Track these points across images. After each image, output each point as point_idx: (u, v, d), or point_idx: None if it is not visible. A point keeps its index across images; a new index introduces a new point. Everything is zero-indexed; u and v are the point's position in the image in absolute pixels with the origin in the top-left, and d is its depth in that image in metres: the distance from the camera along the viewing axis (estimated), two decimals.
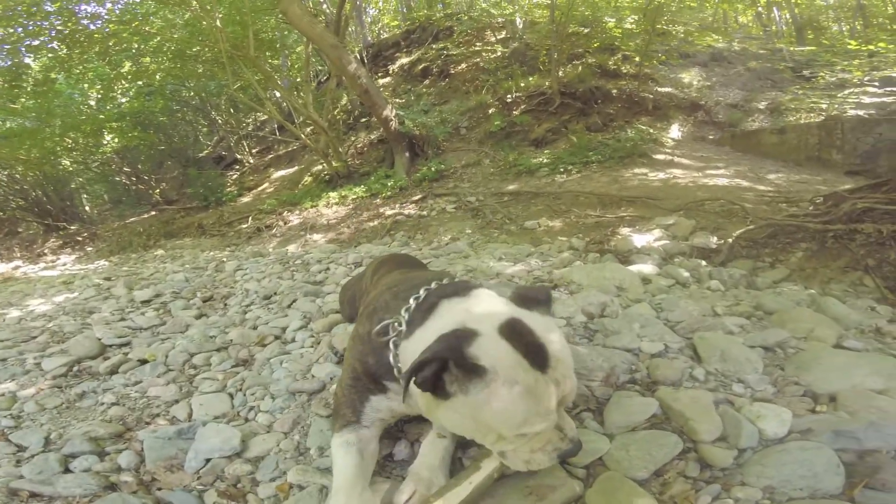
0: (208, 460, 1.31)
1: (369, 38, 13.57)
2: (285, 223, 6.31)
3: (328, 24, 8.32)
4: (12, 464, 1.43)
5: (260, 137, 11.94)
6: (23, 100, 9.48)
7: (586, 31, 8.80)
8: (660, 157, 6.43)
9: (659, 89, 8.82)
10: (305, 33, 6.75)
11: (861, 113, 7.08)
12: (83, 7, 8.42)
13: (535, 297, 1.02)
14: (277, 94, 10.44)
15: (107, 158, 11.39)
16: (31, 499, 1.25)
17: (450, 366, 0.85)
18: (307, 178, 8.24)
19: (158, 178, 13.30)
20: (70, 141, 10.42)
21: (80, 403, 1.81)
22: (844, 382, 1.32)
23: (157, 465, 1.33)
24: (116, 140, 10.62)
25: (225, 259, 4.38)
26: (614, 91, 8.23)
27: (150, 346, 2.27)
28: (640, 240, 3.52)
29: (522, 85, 8.27)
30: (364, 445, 1.10)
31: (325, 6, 10.48)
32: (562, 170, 5.88)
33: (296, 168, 9.72)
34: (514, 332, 0.89)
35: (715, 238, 3.41)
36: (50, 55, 8.83)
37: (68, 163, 11.78)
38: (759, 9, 12.32)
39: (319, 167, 8.04)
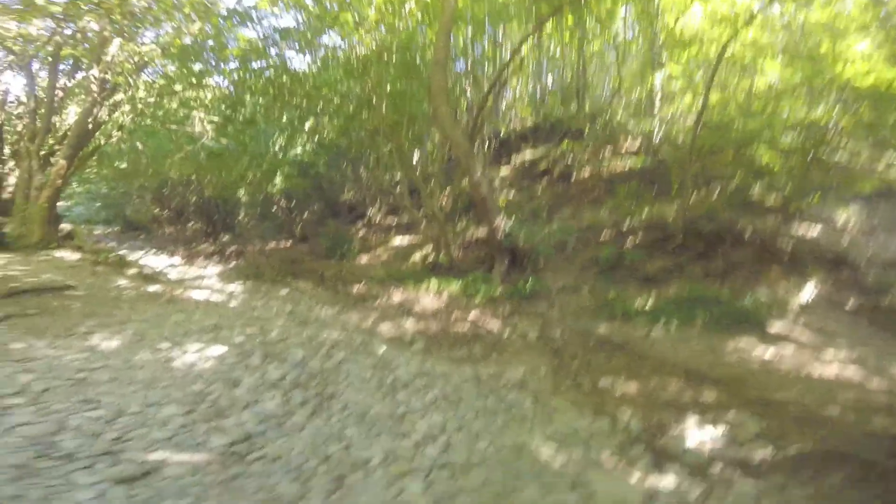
0: None
1: (500, 130, 14.13)
2: (388, 298, 7.08)
3: (469, 110, 9.05)
4: None
5: (391, 201, 13.08)
6: (229, 129, 11.54)
7: (731, 153, 7.86)
8: (775, 329, 5.84)
9: (802, 234, 7.85)
10: (446, 134, 7.54)
11: None
12: (294, 65, 10.23)
13: None
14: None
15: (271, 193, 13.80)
16: None
17: None
18: (416, 256, 9.08)
19: (304, 208, 15.73)
20: (250, 175, 12.83)
21: (233, 484, 2.44)
22: None
23: None
24: (283, 182, 12.80)
25: (336, 340, 4.99)
26: (747, 234, 7.55)
27: (278, 443, 2.88)
28: (694, 438, 3.42)
29: (644, 214, 8.04)
30: None
31: (468, 93, 10.79)
32: (661, 321, 5.67)
33: (410, 240, 10.63)
34: None
35: (769, 450, 3.21)
36: (260, 98, 10.38)
37: (242, 191, 14.52)
38: None
39: (429, 249, 8.82)
